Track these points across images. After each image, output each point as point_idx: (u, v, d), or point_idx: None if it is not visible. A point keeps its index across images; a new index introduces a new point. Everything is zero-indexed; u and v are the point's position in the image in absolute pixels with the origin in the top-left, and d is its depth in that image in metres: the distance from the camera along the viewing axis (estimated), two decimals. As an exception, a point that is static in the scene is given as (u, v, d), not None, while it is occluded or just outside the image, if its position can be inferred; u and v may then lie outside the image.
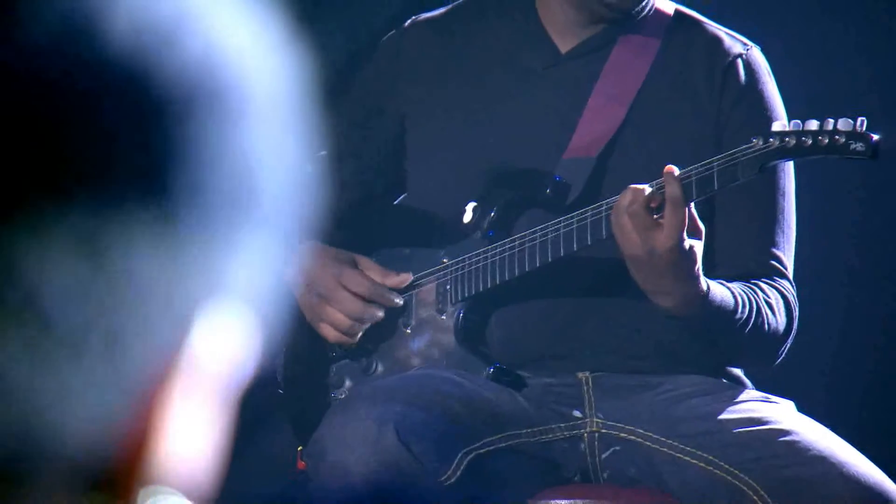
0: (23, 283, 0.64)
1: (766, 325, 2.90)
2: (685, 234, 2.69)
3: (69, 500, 0.65)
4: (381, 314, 3.07)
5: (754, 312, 2.87)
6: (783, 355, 2.98)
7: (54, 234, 0.65)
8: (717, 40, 3.06)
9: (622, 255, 2.81)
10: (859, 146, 2.71)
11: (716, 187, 2.76)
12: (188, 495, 0.69)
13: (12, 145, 0.64)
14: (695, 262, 2.72)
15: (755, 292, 2.90)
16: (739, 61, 3.03)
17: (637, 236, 2.71)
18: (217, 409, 0.70)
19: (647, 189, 2.72)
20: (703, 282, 2.76)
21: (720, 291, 2.81)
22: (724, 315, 2.82)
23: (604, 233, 2.83)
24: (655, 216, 2.71)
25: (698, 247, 2.72)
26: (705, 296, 2.77)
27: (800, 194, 3.11)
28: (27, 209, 0.64)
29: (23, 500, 0.65)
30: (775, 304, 2.93)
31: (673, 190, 2.69)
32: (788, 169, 3.01)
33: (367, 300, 3.07)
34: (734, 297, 2.84)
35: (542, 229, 2.94)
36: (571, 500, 2.86)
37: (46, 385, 0.64)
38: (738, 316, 2.84)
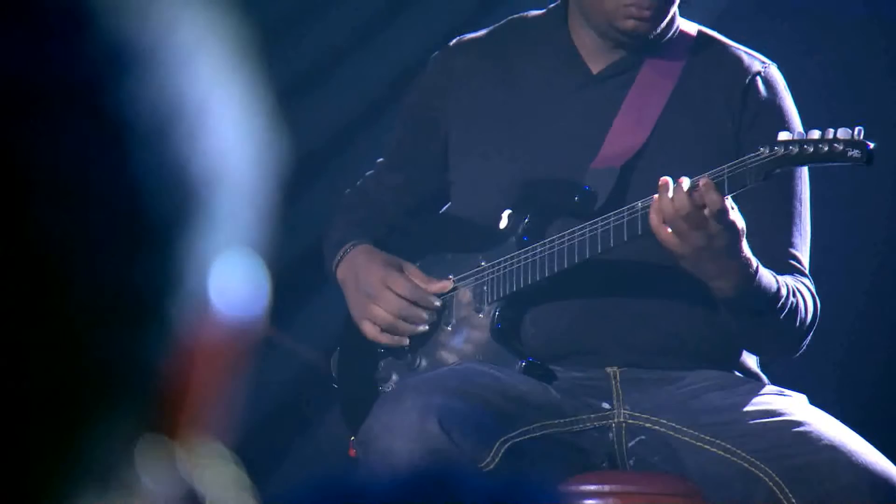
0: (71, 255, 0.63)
1: (799, 313, 2.90)
2: (731, 214, 2.72)
3: (130, 441, 0.65)
4: (424, 315, 3.08)
5: (791, 296, 2.88)
6: (805, 347, 2.98)
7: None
8: (737, 59, 3.05)
9: (653, 258, 2.84)
10: (856, 153, 2.72)
11: (726, 192, 2.76)
12: (218, 437, 0.69)
13: None
14: (743, 235, 2.73)
15: (786, 281, 2.91)
16: (758, 79, 3.03)
17: (696, 231, 2.70)
18: (237, 359, 0.69)
19: (688, 192, 2.71)
20: (753, 259, 2.77)
21: (766, 273, 2.82)
22: (770, 294, 2.83)
23: (625, 237, 2.84)
24: (701, 207, 2.71)
25: (740, 221, 2.73)
26: (756, 271, 2.78)
27: (813, 198, 3.09)
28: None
29: (90, 440, 0.64)
30: (805, 294, 2.93)
31: (706, 181, 2.72)
32: (804, 175, 3.01)
33: (409, 301, 3.08)
34: (776, 279, 2.85)
35: (570, 233, 2.94)
36: (601, 486, 2.87)
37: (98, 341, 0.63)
38: (781, 296, 2.85)
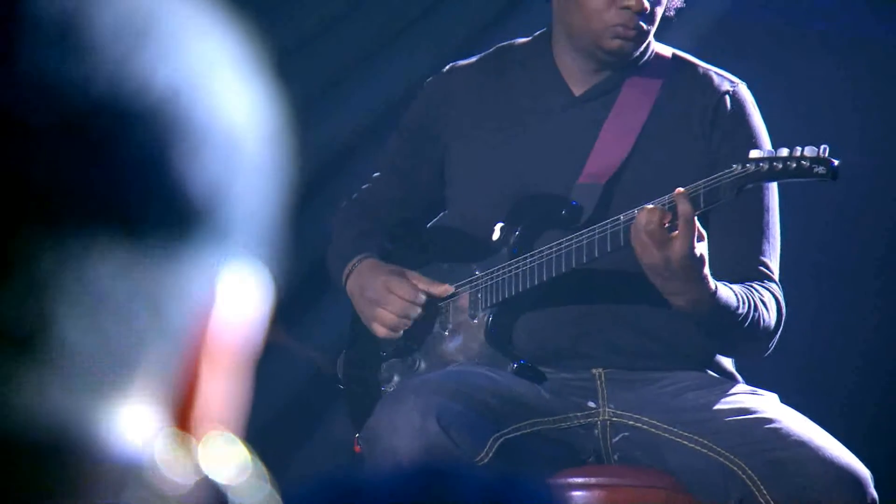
0: (78, 269, 0.61)
1: (762, 320, 2.88)
2: (695, 242, 2.70)
3: (148, 436, 0.64)
4: (418, 310, 3.07)
5: (752, 309, 2.86)
6: (772, 348, 2.96)
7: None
8: (708, 79, 3.05)
9: (635, 267, 2.81)
10: (821, 169, 2.73)
11: (702, 206, 2.76)
12: (228, 427, 0.68)
13: None
14: (703, 264, 2.72)
15: (752, 292, 2.88)
16: (728, 97, 3.03)
17: (656, 249, 2.71)
18: (240, 362, 0.68)
19: (660, 209, 2.72)
20: (712, 282, 2.75)
21: (725, 291, 2.80)
22: (728, 311, 2.81)
23: (608, 247, 2.84)
24: (670, 229, 2.71)
25: (705, 252, 2.72)
26: (714, 293, 2.76)
27: (787, 211, 3.08)
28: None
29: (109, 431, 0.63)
30: (768, 302, 2.91)
31: (685, 207, 2.70)
32: (773, 189, 3.00)
33: (410, 301, 3.07)
34: (736, 296, 2.83)
35: (557, 245, 2.94)
36: (587, 479, 2.88)
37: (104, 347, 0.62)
38: (740, 311, 2.83)
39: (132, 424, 0.63)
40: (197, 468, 0.65)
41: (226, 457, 0.67)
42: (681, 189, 2.73)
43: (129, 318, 0.62)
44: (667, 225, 2.72)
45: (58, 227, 0.60)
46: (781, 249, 3.04)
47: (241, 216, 0.66)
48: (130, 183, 0.62)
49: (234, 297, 0.66)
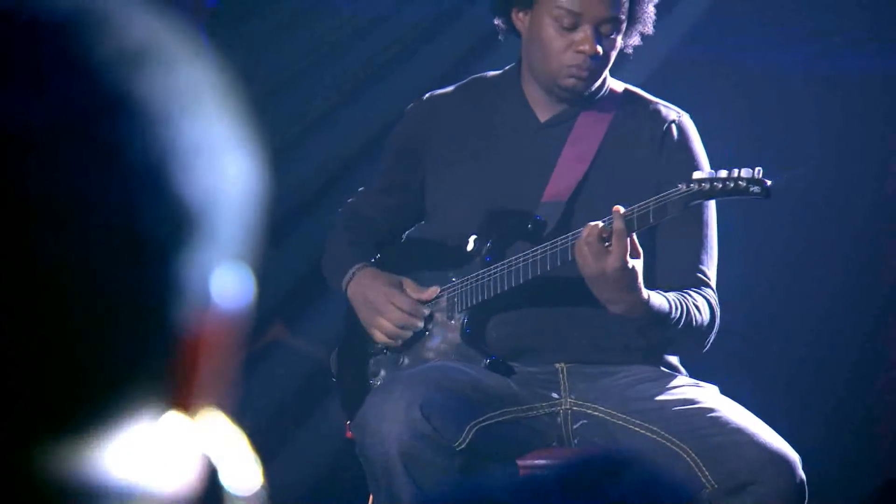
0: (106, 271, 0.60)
1: (694, 322, 2.92)
2: (628, 257, 2.73)
3: (156, 415, 0.64)
4: (419, 324, 3.09)
5: (685, 313, 2.90)
6: (709, 345, 2.99)
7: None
8: (656, 110, 3.09)
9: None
10: (756, 189, 2.78)
11: (651, 221, 2.80)
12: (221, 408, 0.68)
13: None
14: (636, 278, 2.75)
15: (685, 298, 2.92)
16: (674, 126, 3.07)
17: (592, 260, 2.75)
18: (231, 348, 0.67)
19: (600, 225, 2.76)
20: (645, 292, 2.79)
21: (658, 299, 2.84)
22: (661, 316, 2.86)
23: (569, 257, 2.87)
24: (606, 245, 2.75)
25: (639, 266, 2.75)
26: (646, 302, 2.80)
27: (726, 224, 3.15)
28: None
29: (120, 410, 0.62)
30: (701, 306, 2.95)
31: (618, 224, 2.75)
32: (712, 206, 3.05)
33: (408, 313, 3.09)
34: (669, 302, 2.87)
35: (524, 255, 2.97)
36: (550, 460, 2.91)
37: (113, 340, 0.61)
38: (673, 316, 2.87)
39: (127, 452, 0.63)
40: (197, 448, 0.65)
41: (219, 433, 0.67)
42: (618, 207, 2.75)
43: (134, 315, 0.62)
44: (605, 239, 2.75)
45: (71, 230, 0.59)
46: (720, 258, 3.07)
47: (227, 225, 0.66)
48: (133, 193, 0.61)
49: (224, 293, 0.66)
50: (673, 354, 3.08)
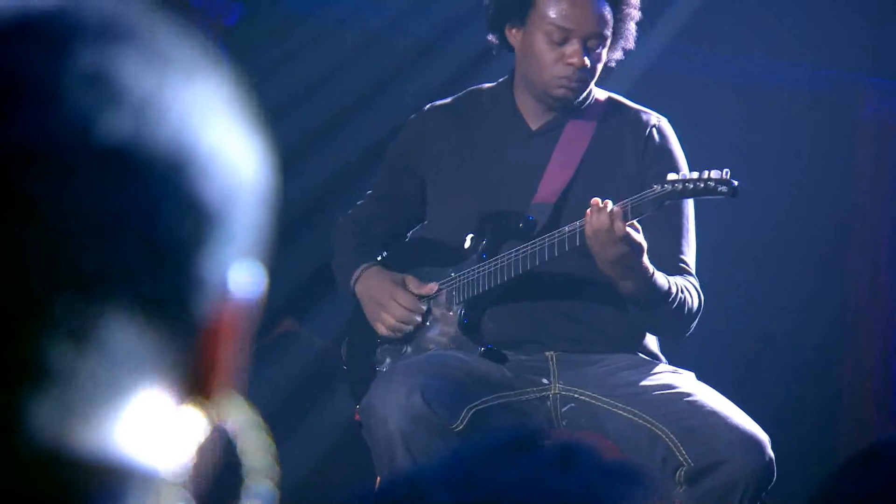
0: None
1: (686, 303, 2.93)
2: (635, 237, 2.77)
3: (179, 397, 0.64)
4: (419, 319, 3.11)
5: (681, 292, 2.92)
6: (692, 329, 3.01)
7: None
8: (638, 116, 3.11)
9: (579, 270, 2.89)
10: (724, 188, 2.80)
11: (630, 218, 2.80)
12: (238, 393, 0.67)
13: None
14: (642, 253, 2.78)
15: (678, 280, 2.95)
16: (654, 130, 3.09)
17: (610, 246, 2.78)
18: (246, 335, 0.67)
19: (608, 206, 2.76)
20: (651, 267, 2.82)
21: (661, 276, 2.86)
22: (663, 291, 2.87)
23: (556, 252, 2.89)
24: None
25: (642, 242, 2.78)
26: (652, 275, 2.82)
27: (705, 219, 3.18)
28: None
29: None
30: (690, 290, 2.97)
31: (616, 209, 2.77)
32: (690, 202, 3.07)
33: (408, 309, 3.11)
34: (668, 281, 2.89)
35: (516, 251, 3.00)
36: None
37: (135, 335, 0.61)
38: (673, 293, 2.89)
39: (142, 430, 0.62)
40: (213, 430, 0.65)
41: (237, 414, 0.67)
42: (596, 200, 2.79)
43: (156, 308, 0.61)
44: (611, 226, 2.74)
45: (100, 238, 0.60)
46: (698, 251, 3.10)
47: (242, 226, 0.66)
48: (156, 199, 0.61)
49: (239, 286, 0.66)
50: (657, 335, 3.07)
